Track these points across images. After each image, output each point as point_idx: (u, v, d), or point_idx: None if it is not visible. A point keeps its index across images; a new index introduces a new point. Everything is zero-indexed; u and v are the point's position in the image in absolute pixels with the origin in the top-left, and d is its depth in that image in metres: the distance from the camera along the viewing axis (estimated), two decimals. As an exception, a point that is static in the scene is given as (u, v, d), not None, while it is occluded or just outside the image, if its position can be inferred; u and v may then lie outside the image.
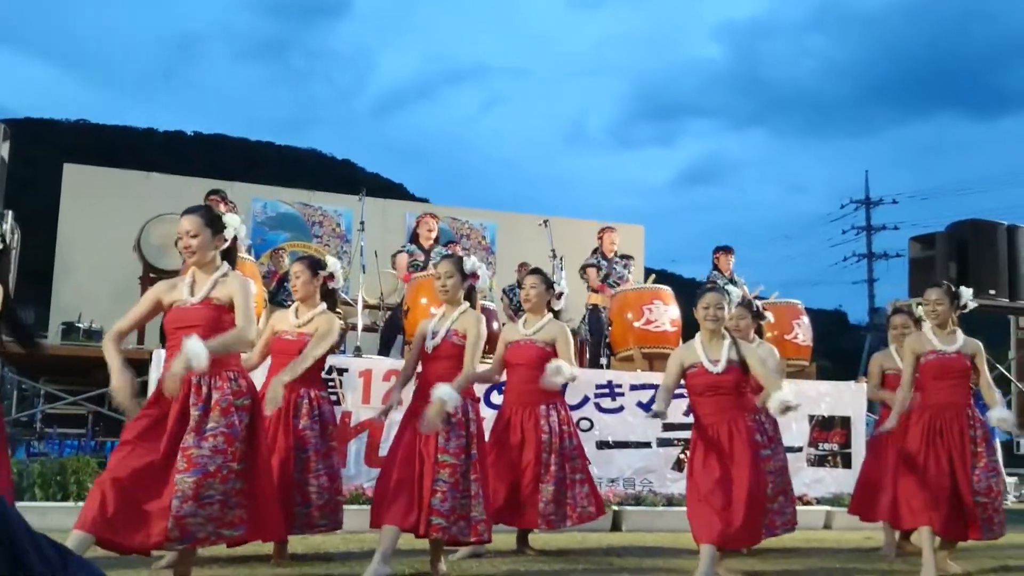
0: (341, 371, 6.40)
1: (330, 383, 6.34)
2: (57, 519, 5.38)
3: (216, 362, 3.56)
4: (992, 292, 8.46)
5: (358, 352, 6.80)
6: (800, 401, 4.51)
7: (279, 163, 39.81)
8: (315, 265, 4.68)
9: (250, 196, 11.05)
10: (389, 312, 8.34)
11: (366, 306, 7.37)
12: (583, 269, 8.71)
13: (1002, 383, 10.38)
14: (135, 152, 30.90)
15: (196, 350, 3.30)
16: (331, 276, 4.71)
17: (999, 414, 4.78)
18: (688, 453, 4.68)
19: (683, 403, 5.70)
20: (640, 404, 6.88)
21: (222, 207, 7.72)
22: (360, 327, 7.07)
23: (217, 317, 3.60)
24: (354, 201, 10.36)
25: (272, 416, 4.37)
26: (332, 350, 4.50)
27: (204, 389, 3.53)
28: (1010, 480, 10.17)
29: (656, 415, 4.40)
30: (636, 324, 7.58)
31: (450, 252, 8.59)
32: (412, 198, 31.77)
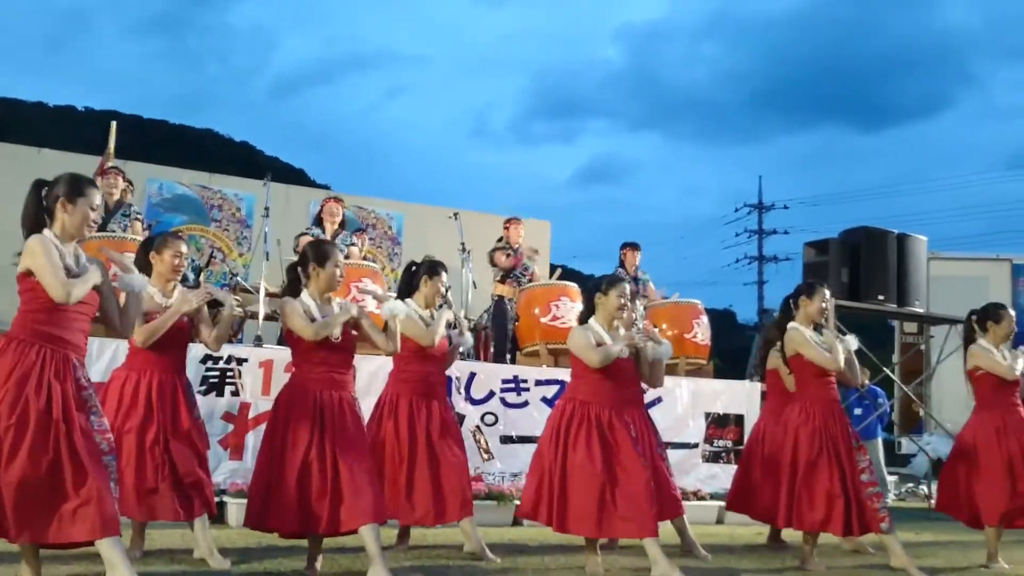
0: (241, 361, 6.22)
1: (229, 372, 6.18)
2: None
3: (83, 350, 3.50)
4: (881, 297, 8.75)
5: (258, 341, 6.62)
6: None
7: (174, 143, 38.65)
8: None
9: (145, 176, 10.64)
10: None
11: (268, 294, 7.18)
12: (492, 253, 8.66)
13: (887, 385, 10.80)
14: (23, 126, 29.54)
15: None
16: None
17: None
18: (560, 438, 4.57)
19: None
20: (544, 399, 6.92)
21: (120, 182, 7.47)
22: (261, 315, 6.89)
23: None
24: (255, 185, 10.08)
25: (145, 401, 4.23)
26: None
27: (84, 378, 3.44)
28: (891, 479, 10.62)
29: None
30: (543, 320, 7.60)
31: (355, 240, 8.46)
32: (313, 184, 31.20)
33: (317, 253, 4.26)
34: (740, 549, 5.73)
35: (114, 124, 8.13)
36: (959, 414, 9.41)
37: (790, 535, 5.69)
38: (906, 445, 11.78)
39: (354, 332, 4.25)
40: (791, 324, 5.17)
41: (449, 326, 5.09)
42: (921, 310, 9.13)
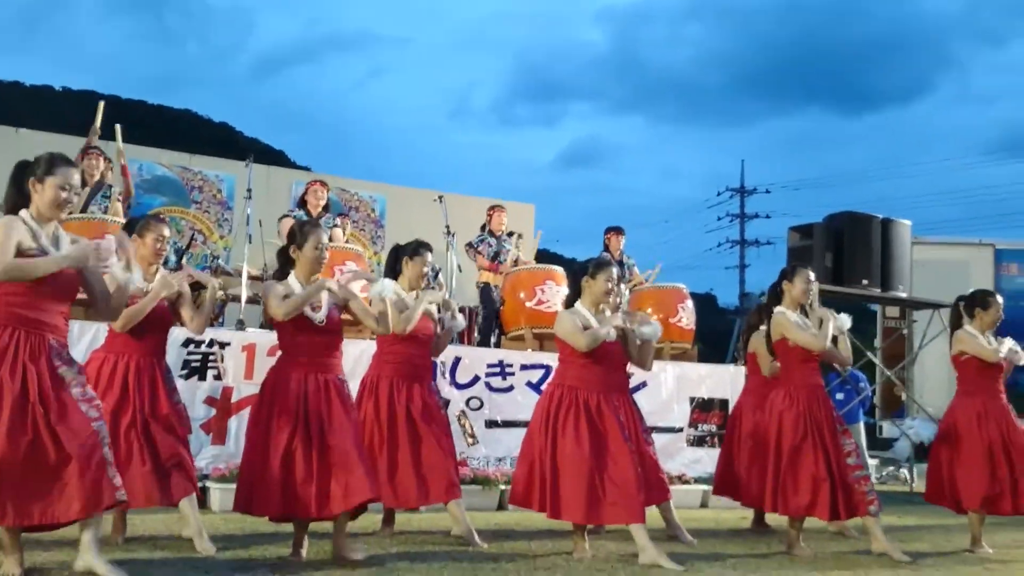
0: (223, 345, 6.15)
1: (211, 356, 6.11)
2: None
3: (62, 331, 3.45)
4: (865, 282, 8.77)
5: (241, 325, 6.55)
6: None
7: (153, 123, 38.12)
8: None
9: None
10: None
11: (250, 277, 7.10)
12: (470, 248, 8.64)
13: (868, 369, 10.84)
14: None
15: None
16: None
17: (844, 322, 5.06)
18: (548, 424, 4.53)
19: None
20: (529, 384, 6.89)
21: (102, 163, 7.38)
22: (244, 299, 6.82)
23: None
24: (236, 166, 9.96)
25: (121, 383, 4.16)
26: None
27: (61, 357, 3.39)
28: (872, 463, 10.68)
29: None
30: (528, 304, 7.57)
31: (339, 223, 8.39)
32: (293, 165, 30.97)
33: (298, 235, 4.21)
34: (725, 533, 5.74)
35: (102, 104, 8.01)
36: (941, 398, 9.48)
37: (775, 519, 5.69)
38: (888, 429, 11.83)
39: (346, 316, 4.20)
40: (777, 309, 5.14)
41: (440, 309, 5.03)
42: (904, 294, 9.16)
